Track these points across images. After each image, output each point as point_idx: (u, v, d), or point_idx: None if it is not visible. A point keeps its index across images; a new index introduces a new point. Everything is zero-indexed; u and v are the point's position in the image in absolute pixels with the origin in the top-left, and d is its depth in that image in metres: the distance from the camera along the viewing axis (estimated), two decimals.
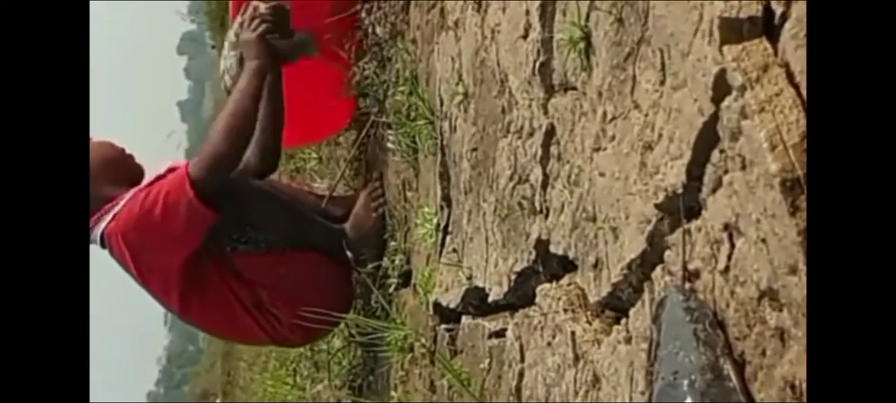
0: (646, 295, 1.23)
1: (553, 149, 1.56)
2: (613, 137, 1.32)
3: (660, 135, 1.17)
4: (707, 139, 1.07)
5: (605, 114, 1.34)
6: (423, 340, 2.33)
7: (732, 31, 1.02)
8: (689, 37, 1.09)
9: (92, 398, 1.44)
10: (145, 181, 2.77)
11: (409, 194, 2.67)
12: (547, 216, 1.59)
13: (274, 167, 3.04)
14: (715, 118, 1.04)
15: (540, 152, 1.60)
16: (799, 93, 0.94)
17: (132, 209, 2.66)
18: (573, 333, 1.45)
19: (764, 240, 0.95)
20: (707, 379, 0.99)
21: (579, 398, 1.42)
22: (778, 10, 0.98)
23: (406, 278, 2.68)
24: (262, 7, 2.77)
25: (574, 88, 1.47)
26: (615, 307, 1.37)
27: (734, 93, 1.00)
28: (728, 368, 1.00)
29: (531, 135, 1.65)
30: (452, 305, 2.12)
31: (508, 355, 1.74)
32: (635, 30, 1.24)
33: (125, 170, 2.84)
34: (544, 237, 1.59)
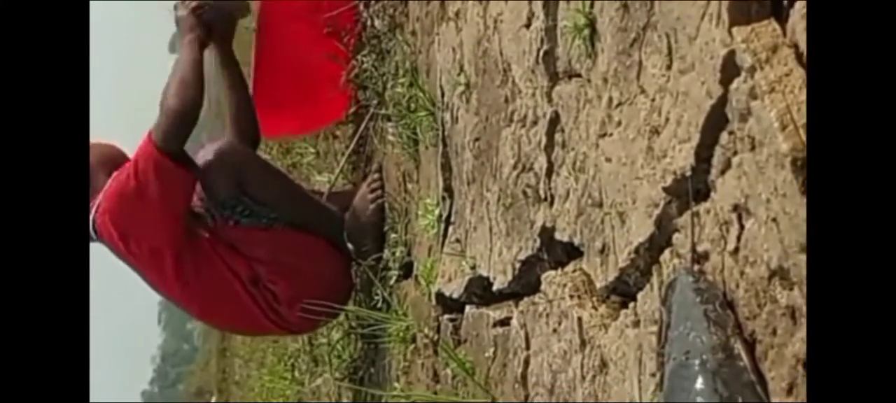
0: (654, 279, 1.24)
1: (558, 137, 1.57)
2: (619, 123, 1.33)
3: (667, 119, 1.18)
4: (715, 121, 1.07)
5: (610, 100, 1.35)
6: (426, 330, 2.34)
7: (741, 12, 1.03)
8: (696, 20, 1.10)
9: None
10: None
11: (409, 186, 2.68)
12: (552, 203, 1.59)
13: (256, 145, 3.10)
14: (723, 100, 1.05)
15: (544, 140, 1.61)
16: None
17: (110, 189, 2.75)
18: (579, 319, 1.45)
19: (774, 220, 0.96)
20: (718, 359, 1.00)
21: (586, 382, 1.43)
22: None
23: (407, 269, 2.68)
24: None
25: (578, 75, 1.48)
26: (622, 292, 1.38)
27: (743, 74, 1.01)
28: (739, 347, 1.01)
29: (535, 123, 1.66)
30: (456, 295, 2.12)
31: (513, 343, 1.74)
32: (641, 15, 1.25)
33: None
34: (549, 224, 1.60)
